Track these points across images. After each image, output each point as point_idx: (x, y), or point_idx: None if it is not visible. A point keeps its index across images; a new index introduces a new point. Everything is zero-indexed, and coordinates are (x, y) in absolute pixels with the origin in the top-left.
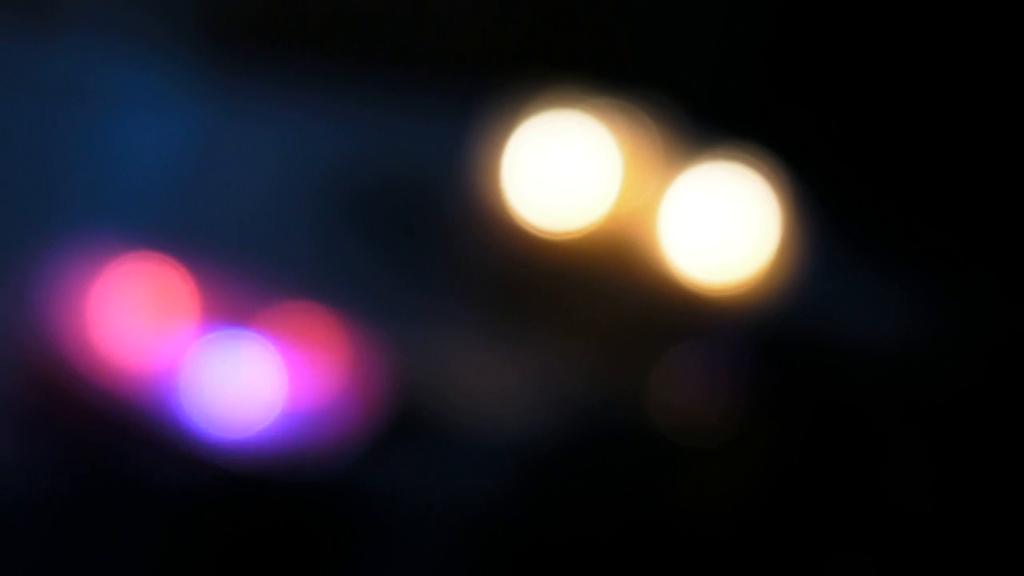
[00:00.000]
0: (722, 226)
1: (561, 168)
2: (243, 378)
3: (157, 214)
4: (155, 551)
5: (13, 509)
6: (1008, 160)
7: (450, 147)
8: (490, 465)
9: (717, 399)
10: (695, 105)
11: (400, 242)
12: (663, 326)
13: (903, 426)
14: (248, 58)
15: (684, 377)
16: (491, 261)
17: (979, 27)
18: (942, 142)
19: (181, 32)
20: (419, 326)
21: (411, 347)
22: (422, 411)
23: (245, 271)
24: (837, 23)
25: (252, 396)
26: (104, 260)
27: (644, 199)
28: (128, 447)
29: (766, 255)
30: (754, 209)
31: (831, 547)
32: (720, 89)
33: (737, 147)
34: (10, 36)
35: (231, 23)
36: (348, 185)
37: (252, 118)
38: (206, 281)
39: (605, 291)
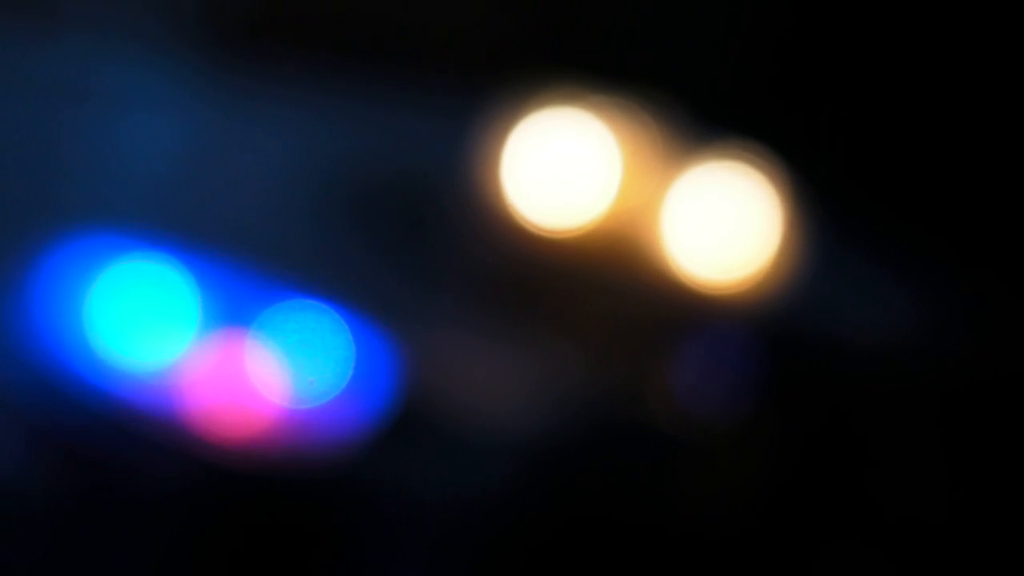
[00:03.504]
0: (723, 224)
1: (562, 166)
2: (244, 376)
3: (158, 213)
4: (157, 551)
5: (15, 510)
6: (1008, 159)
7: (451, 145)
8: (492, 462)
9: (718, 397)
10: (695, 103)
11: (401, 240)
12: (664, 324)
13: (903, 424)
14: (249, 57)
15: (685, 375)
16: (492, 259)
17: (979, 26)
18: (943, 141)
19: (182, 32)
20: (420, 323)
21: (413, 344)
22: (424, 408)
23: (246, 269)
24: (837, 22)
25: (253, 394)
26: (105, 259)
27: (645, 197)
28: (129, 447)
29: (767, 253)
30: (755, 207)
31: (831, 544)
32: (721, 87)
33: (738, 145)
34: (11, 36)
35: (232, 22)
36: (349, 183)
37: (253, 117)
38: (207, 280)
39: (606, 289)
